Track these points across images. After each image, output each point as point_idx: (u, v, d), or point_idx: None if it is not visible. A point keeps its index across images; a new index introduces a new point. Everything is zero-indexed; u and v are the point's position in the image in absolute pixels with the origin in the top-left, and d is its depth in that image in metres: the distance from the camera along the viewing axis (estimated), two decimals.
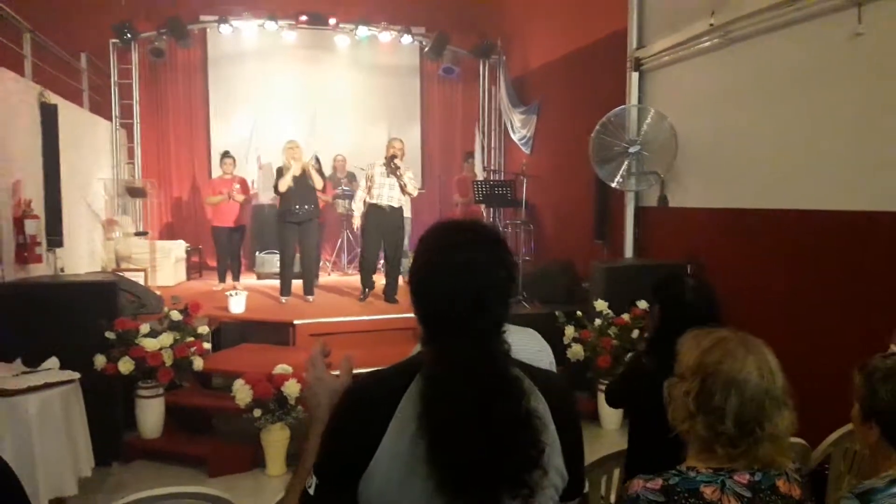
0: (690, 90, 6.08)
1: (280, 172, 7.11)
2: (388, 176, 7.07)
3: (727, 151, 5.57)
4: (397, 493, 1.14)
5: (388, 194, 7.08)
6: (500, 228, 8.69)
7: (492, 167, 10.22)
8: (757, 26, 5.18)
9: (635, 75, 6.80)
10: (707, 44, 5.72)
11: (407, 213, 8.44)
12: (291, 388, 4.49)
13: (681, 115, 6.13)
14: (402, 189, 7.09)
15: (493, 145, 10.63)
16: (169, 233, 9.93)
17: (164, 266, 8.48)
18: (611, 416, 5.56)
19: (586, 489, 1.35)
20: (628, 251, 6.79)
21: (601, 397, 5.48)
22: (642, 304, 5.40)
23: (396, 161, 7.03)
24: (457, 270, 1.20)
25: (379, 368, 1.24)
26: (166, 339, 4.94)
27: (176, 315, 5.19)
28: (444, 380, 1.13)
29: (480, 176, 9.58)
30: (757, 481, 1.44)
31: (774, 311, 4.87)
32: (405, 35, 9.96)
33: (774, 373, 1.46)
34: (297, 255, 7.36)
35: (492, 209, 9.20)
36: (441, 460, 1.08)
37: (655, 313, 2.59)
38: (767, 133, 5.12)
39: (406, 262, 8.95)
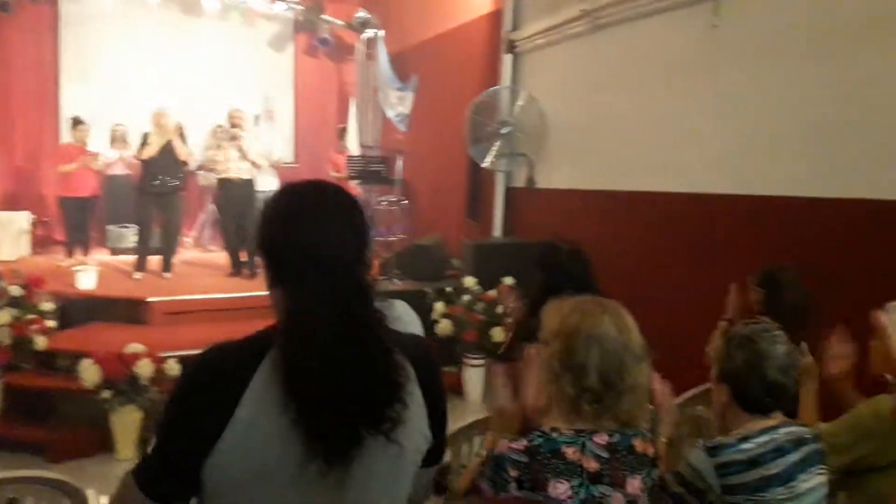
0: (562, 74, 6.22)
1: (145, 140, 6.70)
2: (228, 148, 6.88)
3: (595, 135, 5.74)
4: (258, 459, 1.11)
5: (237, 167, 6.88)
6: (373, 205, 8.61)
7: (367, 143, 10.08)
8: (624, 13, 5.36)
9: (509, 57, 6.87)
10: (578, 29, 5.87)
11: (272, 188, 8.22)
12: (144, 369, 4.22)
13: (552, 98, 6.27)
14: (248, 161, 6.92)
15: (369, 121, 10.47)
16: (11, 203, 9.08)
17: (5, 239, 7.76)
18: (475, 389, 5.65)
19: (448, 457, 1.35)
20: (497, 230, 6.91)
21: (466, 371, 5.57)
22: (508, 281, 5.50)
23: (236, 131, 6.88)
24: (316, 220, 1.21)
25: (225, 342, 1.18)
26: (4, 316, 4.53)
27: (15, 290, 4.76)
28: (304, 322, 1.13)
29: (356, 152, 9.42)
30: (615, 442, 1.47)
31: (636, 287, 5.09)
32: (277, 1, 9.60)
33: (630, 329, 1.50)
34: (158, 230, 6.97)
35: (366, 186, 9.07)
36: (300, 397, 1.09)
37: (538, 278, 2.86)
38: (634, 118, 5.32)
39: None
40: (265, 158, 7.17)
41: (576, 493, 1.40)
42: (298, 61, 10.82)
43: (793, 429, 1.81)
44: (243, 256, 7.12)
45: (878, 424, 1.97)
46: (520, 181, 6.73)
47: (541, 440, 1.45)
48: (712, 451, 1.76)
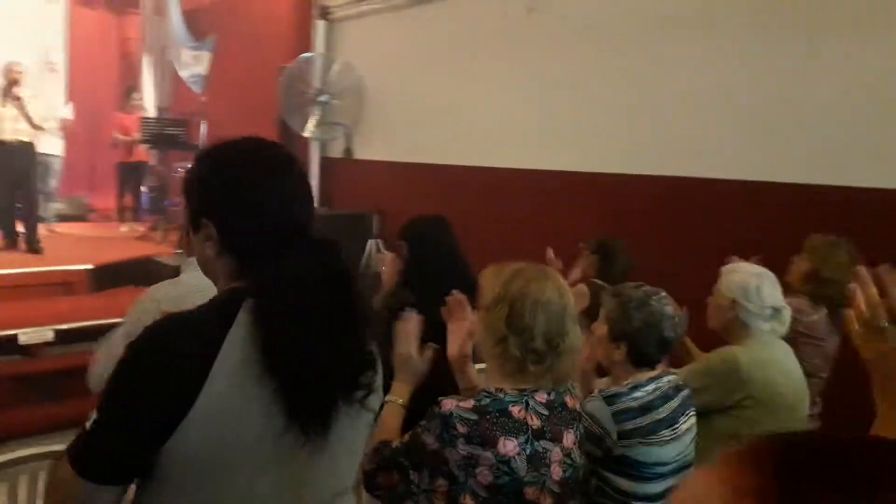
0: (383, 45, 6.20)
1: None
2: (4, 106, 6.01)
3: (416, 108, 5.82)
4: (232, 435, 1.05)
5: (12, 127, 6.03)
6: (170, 172, 8.00)
7: (160, 105, 9.31)
8: None
9: (322, 23, 6.71)
10: (399, 1, 5.88)
11: (54, 151, 7.32)
12: None
13: (373, 69, 6.23)
14: (29, 122, 6.08)
15: (162, 81, 9.66)
16: None
17: None
18: None
19: None
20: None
21: None
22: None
23: (17, 90, 6.02)
24: (281, 183, 1.18)
25: (179, 314, 1.10)
26: None
27: None
28: (280, 294, 1.09)
29: (151, 114, 8.66)
30: (552, 400, 1.55)
31: None
32: None
33: (568, 293, 1.57)
34: None
35: (160, 151, 8.39)
36: (280, 371, 1.06)
37: (405, 251, 2.80)
38: (455, 93, 5.46)
39: (53, 207, 7.75)
40: (48, 118, 6.32)
41: (523, 449, 1.46)
42: (73, 11, 9.66)
43: (672, 377, 2.02)
44: (21, 227, 6.28)
45: (725, 371, 2.25)
46: (336, 152, 6.64)
47: (488, 400, 1.48)
48: (609, 399, 1.90)
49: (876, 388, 1.02)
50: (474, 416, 1.46)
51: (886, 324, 0.98)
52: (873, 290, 1.00)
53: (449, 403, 1.48)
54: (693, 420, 2.02)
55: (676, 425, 1.95)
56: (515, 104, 4.99)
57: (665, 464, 1.94)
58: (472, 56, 5.30)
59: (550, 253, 2.91)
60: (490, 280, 1.59)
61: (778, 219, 3.51)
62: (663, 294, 2.02)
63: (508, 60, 5.05)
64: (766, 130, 3.74)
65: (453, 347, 1.78)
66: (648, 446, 1.90)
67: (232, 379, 1.05)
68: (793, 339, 2.43)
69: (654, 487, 1.94)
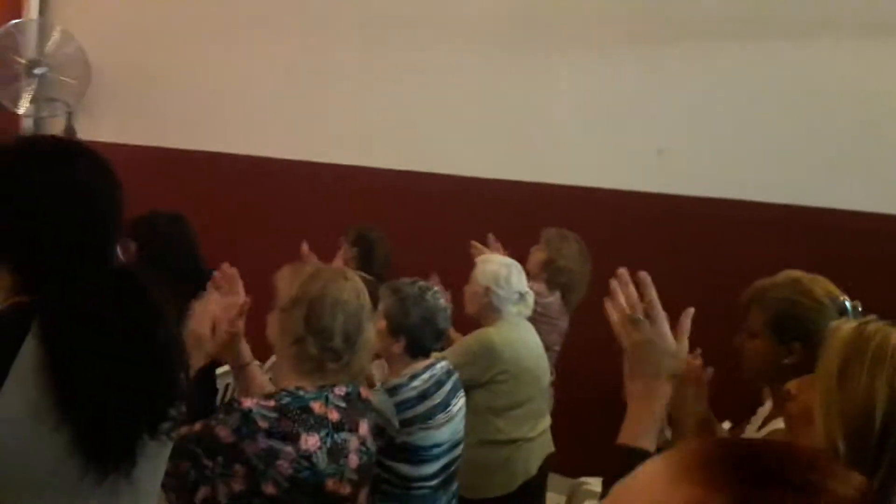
0: (113, 16, 5.66)
1: None
2: None
3: (159, 87, 5.42)
4: (22, 465, 0.99)
5: None
6: None
7: None
8: None
9: None
10: None
11: None
12: None
13: (102, 40, 5.65)
14: None
15: None
16: None
17: None
18: None
19: None
20: None
21: None
22: None
23: None
24: (79, 190, 1.09)
25: None
26: None
27: None
28: (76, 319, 1.02)
29: None
30: (349, 392, 1.62)
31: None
32: None
33: (363, 293, 1.64)
34: None
35: None
36: (76, 406, 1.00)
37: (132, 250, 2.69)
38: (207, 72, 5.18)
39: None
40: None
41: (324, 442, 1.51)
42: None
43: (444, 363, 2.19)
44: None
45: (482, 351, 2.49)
46: (55, 131, 5.94)
47: (289, 399, 1.51)
48: (392, 391, 2.02)
49: (628, 371, 1.20)
50: (275, 414, 1.48)
51: (641, 318, 1.17)
52: (632, 290, 1.19)
53: (249, 402, 1.48)
54: (463, 400, 2.22)
55: (450, 408, 2.13)
56: (279, 89, 4.87)
57: (440, 444, 2.11)
58: (226, 32, 5.06)
59: (305, 247, 2.94)
60: (286, 281, 1.61)
61: (519, 214, 3.87)
62: (436, 289, 2.19)
63: (269, 43, 4.89)
64: (509, 133, 4.11)
65: (210, 322, 1.66)
66: (427, 430, 2.06)
67: (21, 406, 0.97)
68: (533, 319, 2.75)
69: (431, 468, 2.10)
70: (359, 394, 1.65)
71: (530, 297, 2.63)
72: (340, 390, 1.59)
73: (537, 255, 3.11)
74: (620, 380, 1.19)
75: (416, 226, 4.17)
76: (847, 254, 3.05)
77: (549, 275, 3.03)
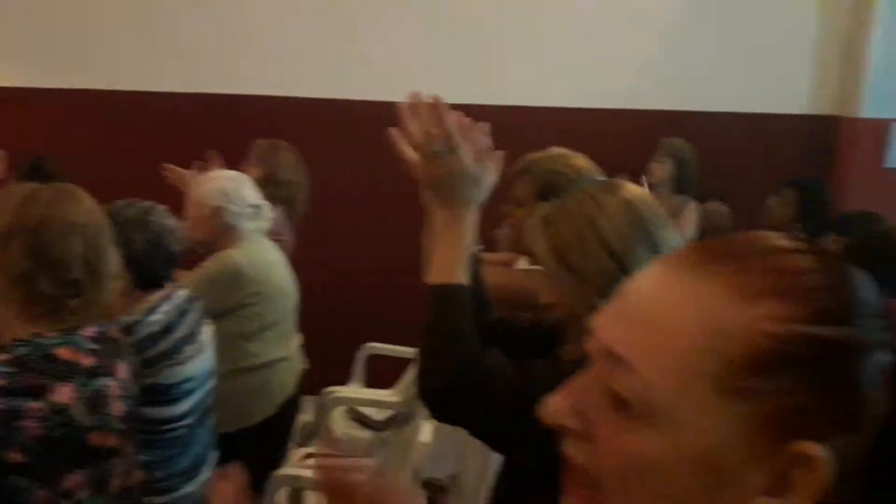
0: None
1: None
2: None
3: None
4: None
5: None
6: None
7: None
8: None
9: None
10: None
11: None
12: None
13: None
14: None
15: None
16: None
17: None
18: None
19: None
20: None
21: None
22: None
23: None
24: None
25: None
26: None
27: None
28: None
29: None
30: (100, 332, 1.36)
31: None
32: None
33: (99, 212, 1.37)
34: None
35: None
36: None
37: None
38: None
39: None
40: None
41: (80, 392, 1.26)
42: None
43: (183, 291, 1.96)
44: None
45: (227, 275, 2.29)
46: None
47: (26, 349, 1.22)
48: (128, 329, 1.75)
49: (430, 205, 1.16)
50: (12, 369, 1.19)
51: (441, 149, 1.11)
52: (427, 119, 1.11)
53: None
54: (210, 329, 2.02)
55: (197, 338, 1.93)
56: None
57: (192, 379, 1.90)
58: None
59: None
60: None
61: (228, 128, 3.55)
62: (161, 207, 1.92)
63: None
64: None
65: None
66: (174, 367, 1.84)
67: None
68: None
69: (184, 406, 1.89)
70: (110, 334, 1.40)
71: (266, 210, 2.47)
72: (89, 331, 1.32)
73: (252, 173, 2.91)
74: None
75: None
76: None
77: (269, 191, 2.86)
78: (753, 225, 3.23)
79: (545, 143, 1.98)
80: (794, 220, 3.07)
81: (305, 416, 2.87)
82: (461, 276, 1.13)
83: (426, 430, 2.26)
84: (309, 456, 2.47)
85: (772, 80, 3.76)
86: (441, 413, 1.16)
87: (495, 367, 1.12)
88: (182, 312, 1.90)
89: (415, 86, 1.16)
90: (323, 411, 2.77)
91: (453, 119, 1.11)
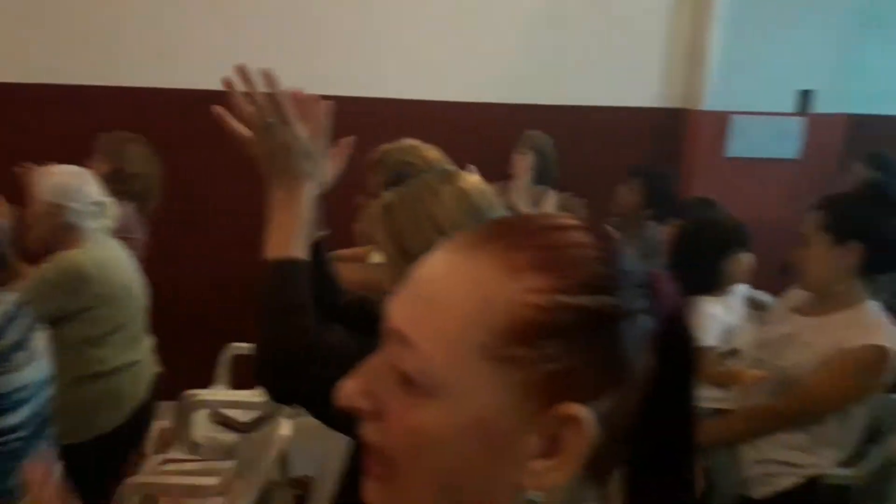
0: None
1: None
2: None
3: None
4: None
5: None
6: None
7: None
8: None
9: None
10: None
11: None
12: None
13: None
14: None
15: None
16: None
17: None
18: None
19: None
20: None
21: None
22: None
23: None
24: None
25: None
26: None
27: None
28: None
29: None
30: None
31: None
32: None
33: None
34: None
35: None
36: None
37: None
38: None
39: None
40: None
41: None
42: None
43: (13, 295, 1.82)
44: None
45: (68, 278, 2.15)
46: None
47: None
48: None
49: (268, 180, 1.13)
50: None
51: (272, 121, 1.09)
52: (259, 90, 1.09)
53: None
54: (44, 336, 1.89)
55: (29, 345, 1.80)
56: None
57: (24, 388, 1.77)
58: None
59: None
60: None
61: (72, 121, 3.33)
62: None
63: None
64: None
65: None
66: (5, 374, 1.71)
67: None
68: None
69: (18, 416, 1.76)
70: None
71: (111, 207, 2.33)
72: None
73: (100, 169, 2.75)
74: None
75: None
76: None
77: (117, 186, 2.71)
78: (608, 212, 3.39)
79: (409, 135, 2.00)
80: (642, 207, 3.25)
81: (164, 422, 2.75)
82: (298, 251, 1.12)
83: (287, 427, 2.22)
84: (166, 462, 2.37)
85: (624, 75, 3.95)
86: (277, 391, 1.14)
87: (335, 342, 1.11)
88: (10, 318, 1.76)
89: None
90: (182, 416, 2.66)
91: (284, 92, 1.10)
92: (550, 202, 3.59)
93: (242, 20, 3.54)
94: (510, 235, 0.55)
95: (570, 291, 0.51)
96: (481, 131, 3.58)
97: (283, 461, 2.44)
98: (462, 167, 1.73)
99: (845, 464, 2.24)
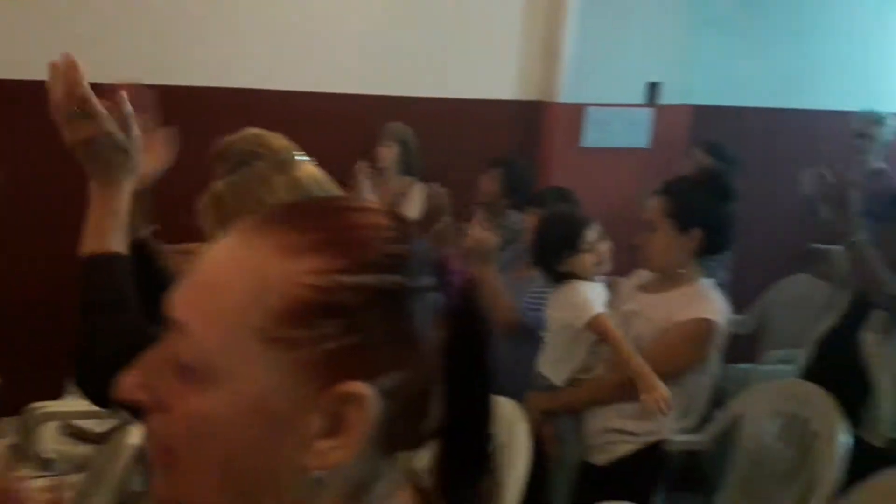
0: None
1: None
2: None
3: None
4: None
5: None
6: None
7: None
8: None
9: None
10: None
11: None
12: None
13: None
14: None
15: None
16: None
17: None
18: None
19: None
20: None
21: None
22: None
23: None
24: None
25: None
26: None
27: None
28: None
29: None
30: None
31: None
32: None
33: None
34: None
35: None
36: None
37: None
38: None
39: None
40: None
41: None
42: None
43: None
44: None
45: None
46: None
47: None
48: None
49: (90, 170, 1.10)
50: None
51: (76, 113, 1.05)
52: (72, 80, 1.05)
53: None
54: None
55: None
56: None
57: None
58: None
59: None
60: None
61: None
62: None
63: None
64: None
65: None
66: None
67: None
68: None
69: None
70: None
71: None
72: None
73: None
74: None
75: None
76: None
77: None
78: (470, 202, 3.46)
79: (270, 126, 1.93)
80: (502, 196, 3.33)
81: (9, 438, 2.56)
82: (116, 245, 1.08)
83: (138, 436, 2.11)
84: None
85: (484, 68, 4.03)
86: (95, 393, 1.08)
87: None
88: None
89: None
90: (28, 430, 2.49)
91: (86, 86, 1.05)
92: (417, 193, 3.62)
93: (77, 9, 3.32)
94: (295, 218, 0.55)
95: (350, 271, 0.52)
96: (339, 123, 3.55)
97: (146, 470, 2.33)
98: (318, 159, 1.72)
99: (694, 430, 2.41)
